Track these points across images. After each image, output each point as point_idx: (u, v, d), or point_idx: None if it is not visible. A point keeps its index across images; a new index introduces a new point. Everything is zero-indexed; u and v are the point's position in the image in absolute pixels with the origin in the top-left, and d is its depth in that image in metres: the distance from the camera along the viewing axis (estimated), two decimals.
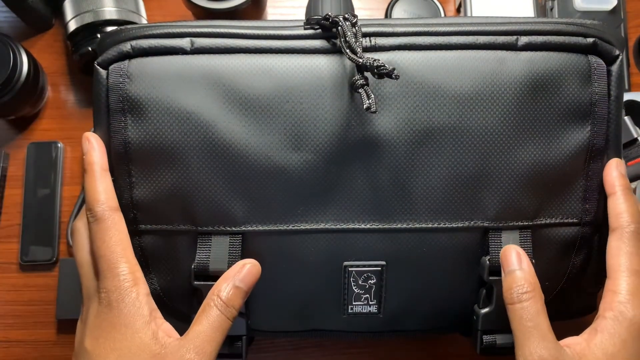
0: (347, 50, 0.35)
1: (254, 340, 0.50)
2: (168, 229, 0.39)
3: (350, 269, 0.39)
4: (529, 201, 0.38)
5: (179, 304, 0.41)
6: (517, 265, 0.36)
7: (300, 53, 0.38)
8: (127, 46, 0.37)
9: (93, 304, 0.36)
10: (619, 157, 0.40)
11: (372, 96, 0.34)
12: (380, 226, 0.38)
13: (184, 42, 0.38)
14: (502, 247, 0.38)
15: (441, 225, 0.38)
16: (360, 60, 0.34)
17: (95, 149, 0.38)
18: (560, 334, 0.52)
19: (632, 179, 0.48)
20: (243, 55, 0.38)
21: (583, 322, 0.54)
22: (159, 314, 0.36)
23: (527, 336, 0.34)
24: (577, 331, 0.53)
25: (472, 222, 0.39)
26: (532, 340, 0.33)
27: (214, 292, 0.36)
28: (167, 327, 0.35)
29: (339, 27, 0.36)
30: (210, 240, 0.38)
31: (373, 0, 0.61)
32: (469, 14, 0.57)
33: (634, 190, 0.49)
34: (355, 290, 0.40)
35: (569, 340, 0.35)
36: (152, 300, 0.36)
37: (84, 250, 0.37)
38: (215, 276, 0.38)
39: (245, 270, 0.36)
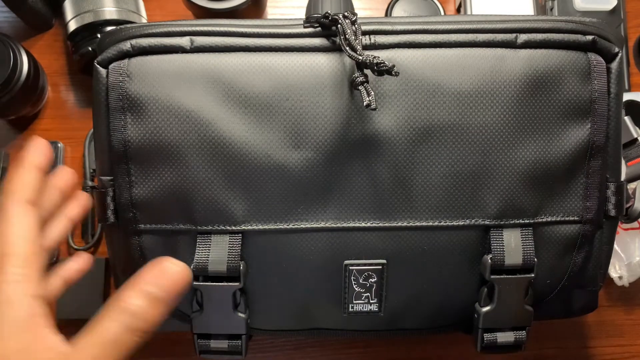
0: (347, 48, 0.35)
1: (255, 340, 0.50)
2: (167, 229, 0.39)
3: (350, 267, 0.39)
4: (529, 199, 0.38)
5: (179, 304, 0.41)
6: None
7: (300, 51, 0.38)
8: (126, 45, 0.37)
9: None
10: (619, 155, 0.40)
11: (372, 93, 0.34)
12: (380, 224, 0.38)
13: (184, 41, 0.38)
14: (504, 245, 0.38)
15: (442, 224, 0.38)
16: (360, 57, 0.34)
17: (39, 148, 0.34)
18: (562, 332, 0.52)
19: (632, 179, 0.48)
20: (243, 53, 0.38)
21: (585, 320, 0.54)
22: (46, 322, 0.29)
23: None
24: (579, 329, 0.53)
25: (473, 220, 0.38)
26: None
27: (121, 297, 0.29)
28: (52, 340, 0.28)
29: (339, 25, 0.36)
30: (210, 239, 0.38)
31: (373, 0, 0.61)
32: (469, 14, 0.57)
33: (634, 191, 0.49)
34: (356, 289, 0.40)
35: None
36: (40, 305, 0.29)
37: None
38: (214, 277, 0.38)
39: (170, 275, 0.30)
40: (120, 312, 0.28)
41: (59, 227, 0.36)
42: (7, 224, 0.31)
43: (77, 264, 0.37)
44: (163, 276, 0.30)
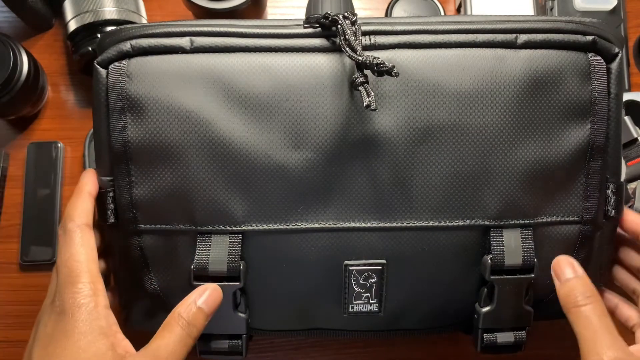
0: (347, 49, 0.35)
1: (255, 340, 0.50)
2: (168, 229, 0.39)
3: (350, 268, 0.39)
4: (529, 199, 0.38)
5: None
6: (572, 273, 0.37)
7: (300, 52, 0.38)
8: (126, 45, 0.37)
9: (44, 317, 0.35)
10: (619, 155, 0.40)
11: (372, 94, 0.34)
12: (380, 225, 0.38)
13: (184, 41, 0.38)
14: (504, 246, 0.38)
15: (442, 224, 0.38)
16: (360, 58, 0.34)
17: (90, 178, 0.39)
18: (562, 332, 0.52)
19: (632, 179, 0.48)
20: (242, 54, 0.38)
21: None
22: (118, 329, 0.35)
23: (597, 337, 0.34)
24: None
25: (472, 221, 0.38)
26: (604, 340, 0.34)
27: (176, 311, 0.35)
28: (126, 343, 0.35)
29: (339, 26, 0.36)
30: (210, 239, 0.38)
31: (373, 0, 0.61)
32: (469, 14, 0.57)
33: (634, 191, 0.49)
34: (356, 289, 0.40)
35: (633, 348, 0.36)
36: (112, 315, 0.35)
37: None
38: (214, 277, 0.38)
39: (207, 294, 0.37)
40: (179, 320, 0.35)
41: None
42: (74, 246, 0.36)
43: None
44: (206, 294, 0.37)
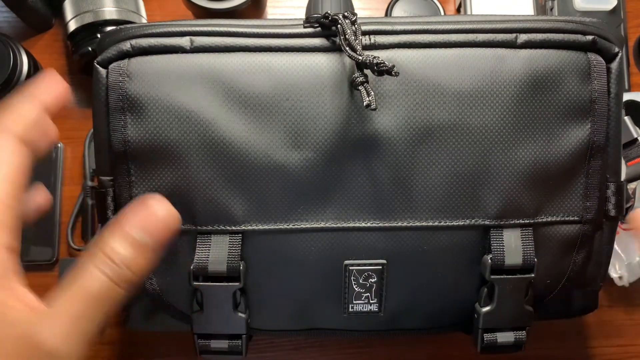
0: (347, 48, 0.35)
1: (254, 340, 0.50)
2: None
3: (350, 267, 0.39)
4: (529, 199, 0.38)
5: (179, 304, 0.41)
6: None
7: (300, 51, 0.38)
8: (126, 45, 0.37)
9: None
10: (619, 155, 0.40)
11: (372, 93, 0.34)
12: (380, 224, 0.38)
13: (184, 41, 0.38)
14: (504, 246, 0.38)
15: (442, 224, 0.38)
16: (360, 57, 0.34)
17: (49, 84, 0.28)
18: (562, 332, 0.52)
19: (632, 179, 0.48)
20: (242, 53, 0.38)
21: (585, 320, 0.54)
22: (17, 278, 0.24)
23: None
24: (579, 329, 0.53)
25: (473, 221, 0.38)
26: None
27: (103, 243, 0.24)
28: (27, 299, 0.23)
29: (339, 25, 0.36)
30: (210, 239, 0.38)
31: (373, 0, 0.61)
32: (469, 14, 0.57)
33: (634, 191, 0.49)
34: (356, 289, 0.40)
35: None
36: (14, 260, 0.24)
37: None
38: (214, 277, 0.38)
39: (158, 218, 0.25)
40: (103, 262, 0.23)
41: (42, 195, 0.31)
42: None
43: (35, 204, 0.31)
44: (151, 220, 0.25)
